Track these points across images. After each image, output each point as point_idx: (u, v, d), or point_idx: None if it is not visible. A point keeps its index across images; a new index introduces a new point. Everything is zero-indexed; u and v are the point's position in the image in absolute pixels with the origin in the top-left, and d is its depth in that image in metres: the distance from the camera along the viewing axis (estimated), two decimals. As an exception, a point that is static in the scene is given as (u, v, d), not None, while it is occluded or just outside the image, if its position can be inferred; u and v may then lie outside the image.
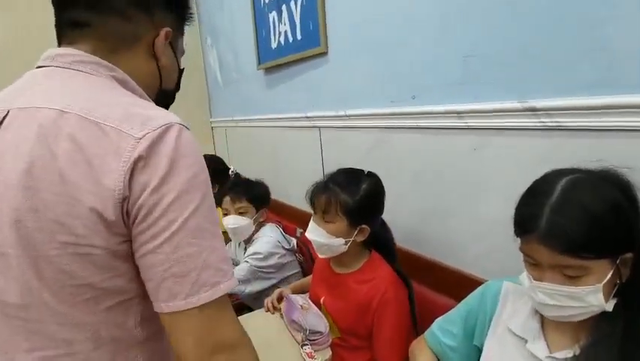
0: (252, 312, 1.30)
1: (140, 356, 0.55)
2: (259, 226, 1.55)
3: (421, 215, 1.17)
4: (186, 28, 0.68)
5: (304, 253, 1.58)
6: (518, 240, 0.64)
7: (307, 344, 1.03)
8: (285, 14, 1.65)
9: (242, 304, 1.52)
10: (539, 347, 0.65)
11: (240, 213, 1.49)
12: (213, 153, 2.44)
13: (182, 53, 0.69)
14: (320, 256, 1.09)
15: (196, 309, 0.48)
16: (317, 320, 1.07)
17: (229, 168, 2.00)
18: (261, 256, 1.42)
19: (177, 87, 0.70)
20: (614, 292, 0.59)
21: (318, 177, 1.11)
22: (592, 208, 0.56)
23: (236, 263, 1.59)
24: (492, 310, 0.75)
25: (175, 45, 0.65)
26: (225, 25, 2.31)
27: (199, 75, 2.76)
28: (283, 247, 1.49)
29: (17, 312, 0.50)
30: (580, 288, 0.57)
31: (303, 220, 1.09)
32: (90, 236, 0.47)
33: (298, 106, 1.69)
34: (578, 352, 0.60)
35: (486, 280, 0.84)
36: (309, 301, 1.16)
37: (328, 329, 1.06)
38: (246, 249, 1.53)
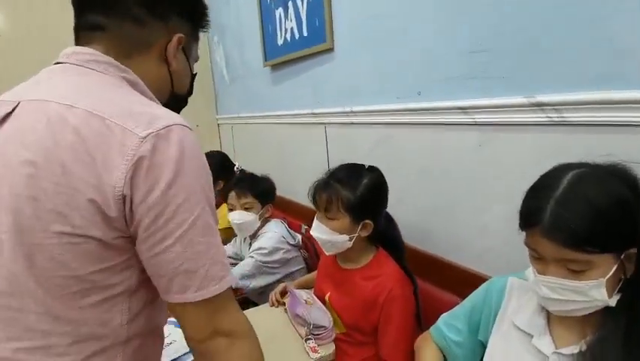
0: (257, 306, 1.31)
1: (120, 355, 0.55)
2: (264, 221, 1.55)
3: (426, 211, 1.17)
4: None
5: (309, 249, 1.58)
6: (523, 236, 0.63)
7: (311, 339, 1.04)
8: (291, 11, 1.65)
9: (247, 299, 1.53)
10: (545, 343, 0.65)
11: (246, 209, 1.50)
12: (219, 150, 2.45)
13: (197, 59, 0.70)
14: (326, 253, 1.09)
15: (205, 300, 0.51)
16: (321, 315, 1.07)
17: (234, 165, 2.01)
18: (265, 251, 1.43)
19: (190, 92, 0.71)
20: (618, 287, 0.59)
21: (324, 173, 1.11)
22: (597, 202, 0.55)
23: (241, 258, 1.60)
24: (497, 306, 0.75)
25: (188, 51, 0.66)
26: (232, 23, 2.32)
27: (206, 72, 2.77)
28: (288, 243, 1.50)
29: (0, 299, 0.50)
30: (583, 282, 0.57)
31: (308, 217, 1.09)
32: (87, 227, 0.48)
33: (304, 102, 1.69)
34: (584, 348, 0.60)
35: (491, 277, 0.83)
36: (313, 296, 1.17)
37: (332, 323, 1.06)
38: (250, 244, 1.54)
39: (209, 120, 2.79)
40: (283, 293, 1.26)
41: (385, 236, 1.09)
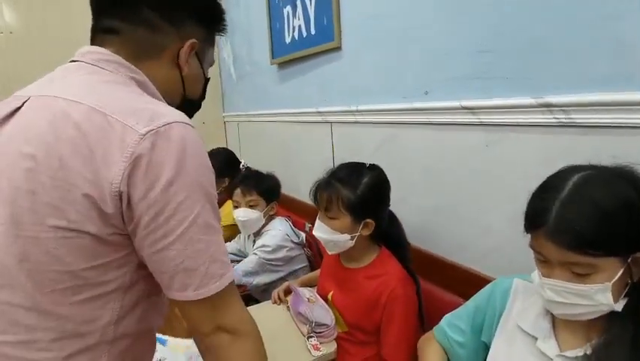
0: (259, 304, 1.31)
1: (106, 355, 0.54)
2: (269, 219, 1.56)
3: (431, 211, 1.16)
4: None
5: (312, 248, 1.58)
6: (528, 237, 0.63)
7: (313, 336, 1.04)
8: (299, 9, 1.65)
9: (249, 296, 1.53)
10: (550, 346, 0.64)
11: (251, 206, 1.50)
12: (225, 147, 2.46)
13: (212, 63, 0.70)
14: (328, 252, 1.09)
15: (206, 298, 0.52)
16: (323, 313, 1.07)
17: (240, 162, 2.02)
18: (269, 249, 1.43)
19: (202, 96, 0.71)
20: (625, 292, 0.58)
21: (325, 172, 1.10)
22: (603, 204, 0.54)
23: (245, 255, 1.61)
24: (501, 307, 0.74)
25: (202, 55, 0.66)
26: (240, 20, 2.33)
27: (213, 70, 2.77)
28: (292, 241, 1.50)
29: None
30: (588, 286, 0.56)
31: (312, 215, 1.09)
32: (82, 222, 0.48)
33: (310, 101, 1.69)
34: (589, 351, 0.59)
35: (494, 278, 0.83)
36: (316, 294, 1.17)
37: (334, 322, 1.07)
38: (254, 241, 1.55)
39: (215, 117, 2.81)
40: (287, 293, 1.27)
41: (388, 235, 1.08)
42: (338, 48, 1.45)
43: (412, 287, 1.02)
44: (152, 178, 0.47)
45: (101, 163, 0.47)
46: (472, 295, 0.83)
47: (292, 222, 1.59)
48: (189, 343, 1.02)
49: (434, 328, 0.87)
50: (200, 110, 0.72)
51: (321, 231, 1.04)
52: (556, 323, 0.66)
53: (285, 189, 1.72)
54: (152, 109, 0.51)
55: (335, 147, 1.58)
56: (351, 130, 1.46)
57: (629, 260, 0.56)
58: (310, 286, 1.27)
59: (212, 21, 0.66)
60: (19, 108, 0.52)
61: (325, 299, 1.14)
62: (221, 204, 1.91)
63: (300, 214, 1.75)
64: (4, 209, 0.49)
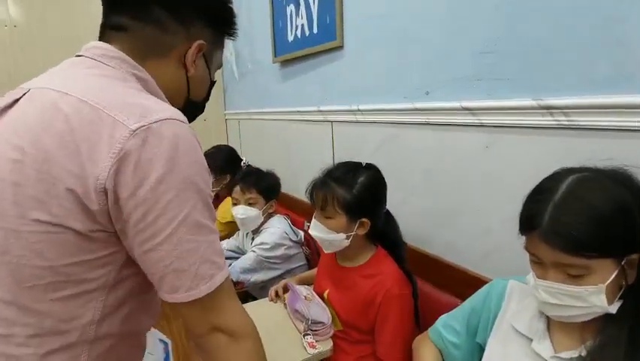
0: (256, 301, 1.31)
1: (85, 355, 0.53)
2: (268, 217, 1.56)
3: (430, 211, 1.16)
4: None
5: (311, 247, 1.58)
6: (525, 239, 0.63)
7: (309, 334, 1.04)
8: (302, 7, 1.65)
9: (247, 293, 1.53)
10: (544, 347, 0.64)
11: (250, 204, 1.50)
12: (226, 144, 2.46)
13: (219, 65, 0.70)
14: (325, 251, 1.09)
15: (197, 300, 0.50)
16: (320, 311, 1.07)
17: (241, 159, 2.02)
18: (267, 247, 1.43)
19: (206, 99, 0.70)
20: (620, 294, 0.58)
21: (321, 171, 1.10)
22: (596, 206, 0.54)
23: (243, 252, 1.61)
24: (497, 309, 0.74)
25: (209, 57, 0.65)
26: (243, 18, 2.33)
27: (215, 67, 2.78)
28: (290, 239, 1.50)
29: None
30: (582, 288, 0.56)
31: (311, 214, 1.09)
32: (65, 217, 0.47)
33: (312, 100, 1.69)
34: (584, 353, 0.59)
35: (491, 280, 0.83)
36: (313, 292, 1.17)
37: (331, 320, 1.07)
38: (253, 239, 1.55)
39: (216, 115, 2.81)
40: (284, 290, 1.27)
41: (385, 235, 1.08)
42: (340, 47, 1.45)
43: (408, 287, 1.02)
44: (141, 176, 0.46)
45: (87, 158, 0.45)
46: (469, 297, 0.83)
47: (291, 221, 1.60)
48: None
49: (429, 328, 0.87)
50: (202, 109, 0.71)
51: (317, 230, 1.04)
52: (551, 324, 0.66)
53: (285, 188, 1.72)
54: (145, 105, 0.50)
55: (335, 146, 1.58)
56: (352, 129, 1.46)
57: (623, 262, 0.56)
58: (307, 285, 1.27)
59: (223, 24, 0.66)
60: (18, 100, 0.52)
61: (321, 298, 1.14)
62: (221, 200, 1.91)
63: (299, 213, 1.75)
64: None
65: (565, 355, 0.61)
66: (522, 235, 0.62)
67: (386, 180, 1.07)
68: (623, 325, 0.57)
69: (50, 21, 2.27)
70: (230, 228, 1.77)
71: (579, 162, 0.64)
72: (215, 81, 0.70)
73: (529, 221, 0.60)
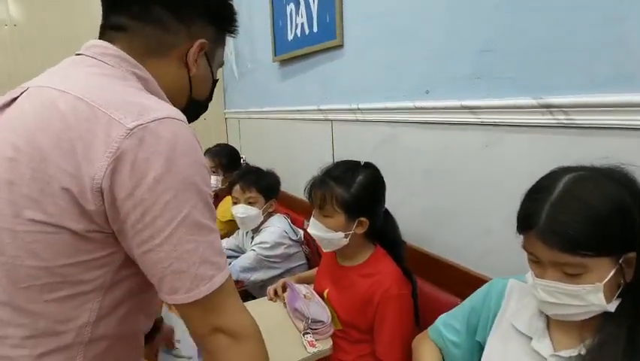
0: (256, 300, 1.31)
1: (81, 357, 0.52)
2: (267, 216, 1.56)
3: (429, 210, 1.16)
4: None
5: (311, 246, 1.58)
6: (523, 238, 0.63)
7: (309, 333, 1.04)
8: (302, 6, 1.65)
9: (247, 292, 1.53)
10: (544, 345, 0.64)
11: (250, 203, 1.50)
12: (226, 143, 2.46)
13: (221, 64, 0.69)
14: (323, 249, 1.09)
15: (197, 301, 0.50)
16: (319, 310, 1.07)
17: (241, 157, 2.03)
18: (267, 245, 1.43)
19: (209, 98, 0.70)
20: (618, 292, 0.58)
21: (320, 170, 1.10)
22: (593, 205, 0.55)
23: (243, 251, 1.61)
24: (496, 308, 0.75)
25: (211, 56, 0.65)
26: (243, 17, 2.33)
27: (215, 66, 2.78)
28: (290, 238, 1.50)
29: None
30: (580, 286, 0.56)
31: (311, 213, 1.09)
32: (60, 216, 0.46)
33: (312, 99, 1.69)
34: (583, 351, 0.59)
35: (491, 279, 0.83)
36: (313, 291, 1.17)
37: (330, 319, 1.07)
38: (253, 238, 1.55)
39: (216, 114, 2.81)
40: (283, 290, 1.27)
41: (384, 234, 1.08)
42: (340, 46, 1.45)
43: (407, 287, 1.02)
44: (138, 176, 0.45)
45: (83, 157, 0.45)
46: (469, 296, 0.83)
47: (291, 220, 1.60)
48: None
49: (429, 327, 0.87)
50: (201, 107, 0.70)
51: (315, 228, 1.04)
52: (551, 322, 0.66)
53: (285, 187, 1.72)
54: (143, 103, 0.49)
55: (335, 145, 1.58)
56: (352, 128, 1.46)
57: (620, 261, 0.56)
58: (306, 284, 1.28)
59: (224, 21, 0.65)
60: (16, 98, 0.52)
61: (321, 297, 1.14)
62: (221, 199, 1.92)
63: (299, 212, 1.75)
64: None
65: (564, 353, 0.61)
66: (520, 234, 0.63)
67: (386, 179, 1.07)
68: (621, 323, 0.57)
69: (50, 20, 2.27)
70: (230, 226, 1.77)
71: (579, 160, 0.64)
72: (217, 79, 0.70)
73: (527, 220, 0.60)
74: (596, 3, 0.72)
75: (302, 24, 1.67)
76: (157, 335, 0.90)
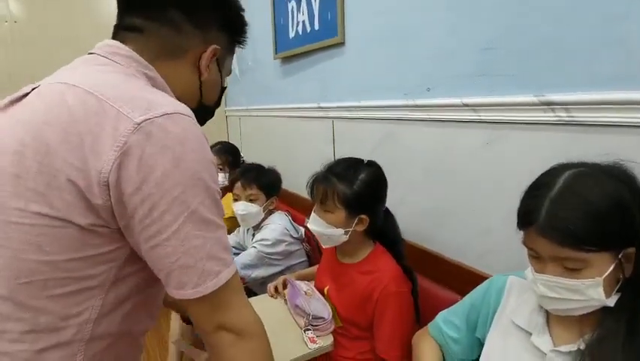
0: (256, 296, 1.32)
1: (81, 354, 0.51)
2: (268, 213, 1.56)
3: (430, 207, 1.16)
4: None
5: (311, 243, 1.59)
6: (523, 234, 0.63)
7: (310, 329, 1.04)
8: (303, 4, 1.65)
9: (247, 289, 1.54)
10: (544, 341, 0.64)
11: (251, 200, 1.50)
12: (227, 141, 2.46)
13: (229, 72, 0.70)
14: (323, 245, 1.10)
15: (204, 297, 0.50)
16: (320, 306, 1.08)
17: (242, 156, 2.03)
18: (268, 243, 1.44)
19: (217, 103, 0.71)
20: (617, 287, 0.59)
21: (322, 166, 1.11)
22: (592, 201, 0.55)
23: (244, 248, 1.61)
24: (496, 304, 0.75)
25: (222, 63, 0.66)
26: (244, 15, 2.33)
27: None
28: (291, 236, 1.50)
29: None
30: (580, 281, 0.57)
31: (311, 211, 1.10)
32: (66, 210, 0.46)
33: (312, 96, 1.69)
34: (582, 346, 0.60)
35: (491, 276, 0.83)
36: (313, 288, 1.17)
37: (331, 315, 1.07)
38: (254, 235, 1.55)
39: (217, 112, 2.79)
40: (284, 287, 1.27)
41: (384, 232, 1.09)
42: (341, 44, 1.45)
43: (407, 284, 1.02)
44: (146, 170, 0.45)
45: (90, 151, 0.45)
46: (469, 292, 0.83)
47: (292, 217, 1.60)
48: None
49: (429, 324, 0.87)
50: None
51: (315, 224, 1.05)
52: (551, 318, 0.66)
53: (286, 184, 1.72)
54: (151, 98, 0.49)
55: (336, 142, 1.59)
56: (353, 126, 1.46)
57: (620, 256, 0.57)
58: (307, 281, 1.28)
59: (236, 31, 0.67)
60: (27, 94, 0.52)
61: (322, 294, 1.14)
62: (222, 196, 1.92)
63: (299, 209, 1.76)
64: None
65: (564, 348, 0.62)
66: (520, 230, 0.63)
67: (386, 176, 1.07)
68: (620, 317, 0.57)
69: (51, 17, 2.26)
70: (231, 223, 1.77)
71: (579, 158, 0.64)
72: (226, 87, 0.71)
73: (527, 216, 0.60)
74: (597, 2, 0.72)
75: (303, 22, 1.67)
76: None
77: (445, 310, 0.86)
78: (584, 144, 0.77)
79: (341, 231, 1.01)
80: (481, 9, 0.94)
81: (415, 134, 1.18)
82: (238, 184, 1.53)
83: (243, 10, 0.67)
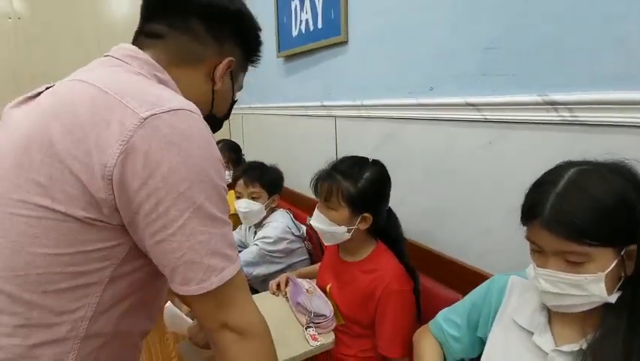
0: (258, 294, 1.32)
1: (75, 352, 0.50)
2: (270, 211, 1.56)
3: (432, 206, 1.16)
4: None
5: (313, 241, 1.59)
6: (526, 229, 0.64)
7: (311, 327, 1.04)
8: (307, 2, 1.65)
9: (249, 287, 1.54)
10: (545, 340, 0.64)
11: (253, 198, 1.51)
12: (229, 139, 2.47)
13: (240, 88, 0.72)
14: (325, 243, 1.10)
15: (208, 293, 0.50)
16: (322, 304, 1.08)
17: (243, 155, 2.04)
18: (270, 240, 1.44)
19: (227, 116, 0.72)
20: (619, 285, 0.59)
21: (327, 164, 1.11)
22: (598, 196, 0.55)
23: (246, 246, 1.62)
24: (497, 304, 0.75)
25: (235, 77, 0.68)
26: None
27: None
28: (293, 234, 1.51)
29: None
30: (582, 276, 0.57)
31: (314, 209, 1.10)
32: (67, 204, 0.46)
33: (315, 95, 1.69)
34: (584, 345, 0.60)
35: (492, 276, 0.83)
36: (315, 285, 1.18)
37: (332, 313, 1.07)
38: (256, 233, 1.55)
39: (220, 110, 2.81)
40: (286, 284, 1.27)
41: (386, 232, 1.09)
42: (344, 42, 1.45)
43: (408, 283, 1.02)
44: (152, 165, 0.45)
45: (95, 144, 0.45)
46: (470, 291, 0.83)
47: (293, 215, 1.60)
48: None
49: (430, 322, 0.88)
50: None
51: (318, 221, 1.05)
52: (552, 317, 0.66)
53: (288, 183, 1.72)
54: (158, 94, 0.49)
55: (339, 141, 1.59)
56: (355, 125, 1.47)
57: (622, 253, 0.57)
58: (308, 279, 1.28)
59: (251, 47, 0.69)
60: (42, 92, 0.54)
61: (324, 291, 1.15)
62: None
63: (301, 208, 1.76)
64: None
65: (566, 348, 0.62)
66: (524, 225, 0.63)
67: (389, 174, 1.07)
68: (621, 314, 0.58)
69: (55, 13, 2.27)
70: (233, 221, 1.77)
71: (582, 158, 0.64)
72: (236, 100, 0.73)
73: (532, 210, 0.60)
74: (599, 2, 0.72)
75: (306, 20, 1.68)
76: None
77: (446, 308, 0.86)
78: (586, 144, 0.77)
79: (344, 229, 1.02)
80: (483, 8, 0.94)
81: (417, 133, 1.18)
82: (240, 182, 1.53)
83: (260, 29, 0.69)
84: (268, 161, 1.69)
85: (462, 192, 1.06)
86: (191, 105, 0.51)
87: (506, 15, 0.89)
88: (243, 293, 0.54)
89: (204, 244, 0.49)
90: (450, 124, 1.06)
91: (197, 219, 0.48)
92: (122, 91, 0.48)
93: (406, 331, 0.98)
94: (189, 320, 0.97)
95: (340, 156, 1.53)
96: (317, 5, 1.58)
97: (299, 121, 1.88)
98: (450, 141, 1.07)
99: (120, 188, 0.46)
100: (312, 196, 1.10)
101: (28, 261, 0.47)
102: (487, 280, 0.81)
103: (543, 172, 0.65)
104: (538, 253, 0.62)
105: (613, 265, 0.56)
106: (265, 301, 1.22)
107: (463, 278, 1.04)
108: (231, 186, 1.69)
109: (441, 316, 0.86)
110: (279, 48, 1.94)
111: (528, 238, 0.63)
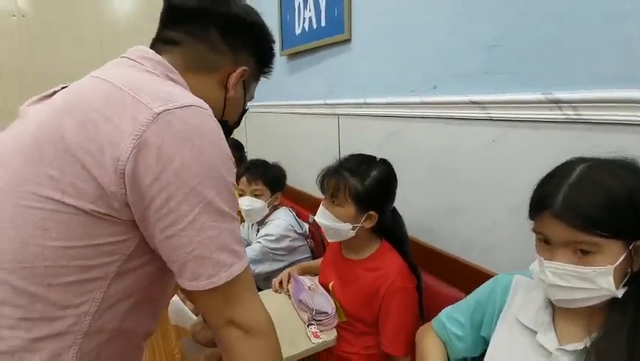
0: (261, 291, 1.33)
1: (76, 347, 0.50)
2: (273, 209, 1.57)
3: (435, 204, 1.16)
4: None
5: (316, 239, 1.59)
6: (533, 236, 0.64)
7: (313, 324, 1.05)
8: (310, 0, 1.65)
9: (252, 284, 1.54)
10: (549, 339, 0.64)
11: (256, 195, 1.51)
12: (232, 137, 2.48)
13: (252, 98, 0.73)
14: (328, 239, 1.10)
15: (216, 288, 0.50)
16: (324, 301, 1.08)
17: (246, 153, 2.04)
18: (273, 238, 1.44)
19: (237, 124, 0.74)
20: (625, 280, 0.59)
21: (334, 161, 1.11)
22: (609, 188, 0.55)
23: (248, 243, 1.62)
24: (501, 303, 0.75)
25: (247, 86, 0.70)
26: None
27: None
28: (295, 231, 1.51)
29: None
30: (591, 268, 0.56)
31: (316, 207, 1.10)
32: (77, 197, 0.46)
33: (318, 93, 1.69)
34: (588, 344, 0.60)
35: (496, 274, 0.83)
36: (317, 283, 1.18)
37: (334, 310, 1.07)
38: (258, 230, 1.56)
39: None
40: (288, 280, 1.28)
41: (390, 231, 1.09)
42: (348, 40, 1.45)
43: (412, 280, 1.02)
44: (165, 161, 0.46)
45: (108, 139, 0.45)
46: (473, 290, 0.83)
47: (296, 213, 1.60)
48: None
49: (432, 320, 0.88)
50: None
51: (323, 217, 1.05)
52: (557, 316, 0.66)
53: (290, 181, 1.72)
54: (171, 91, 0.50)
55: (341, 139, 1.59)
56: (358, 123, 1.46)
57: (630, 247, 0.57)
58: (309, 275, 1.28)
59: (264, 58, 0.70)
60: (57, 91, 0.55)
61: (326, 289, 1.15)
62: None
63: (304, 206, 1.76)
64: (5, 174, 0.49)
65: (570, 347, 0.62)
66: (531, 218, 0.63)
67: (393, 173, 1.07)
68: (626, 310, 0.57)
69: (59, 11, 2.27)
70: (235, 219, 1.78)
71: (587, 155, 0.64)
72: (247, 109, 0.74)
73: (542, 201, 0.60)
74: (602, 1, 0.72)
75: (310, 18, 1.67)
76: None
77: (449, 307, 0.86)
78: (590, 142, 0.77)
79: (349, 226, 1.02)
80: (486, 6, 0.94)
81: (421, 131, 1.18)
82: (243, 179, 1.54)
83: (274, 42, 0.71)
84: (271, 159, 1.69)
85: (465, 190, 1.05)
86: (202, 102, 0.52)
87: (506, 15, 0.89)
88: (249, 290, 0.54)
89: (214, 239, 0.49)
90: (454, 122, 1.06)
91: (208, 214, 0.48)
92: (135, 87, 0.48)
93: (409, 329, 0.98)
94: (194, 317, 0.97)
95: (343, 154, 1.53)
96: (320, 3, 1.58)
97: (302, 119, 1.88)
98: (454, 140, 1.07)
99: (132, 182, 0.46)
100: (315, 194, 1.10)
101: (37, 253, 0.47)
102: (492, 279, 0.81)
103: (547, 170, 0.65)
104: (546, 245, 0.62)
105: (621, 258, 0.56)
106: (268, 299, 1.21)
107: (465, 276, 1.04)
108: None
109: (444, 314, 0.85)
110: (283, 46, 1.94)
111: (535, 230, 0.63)
